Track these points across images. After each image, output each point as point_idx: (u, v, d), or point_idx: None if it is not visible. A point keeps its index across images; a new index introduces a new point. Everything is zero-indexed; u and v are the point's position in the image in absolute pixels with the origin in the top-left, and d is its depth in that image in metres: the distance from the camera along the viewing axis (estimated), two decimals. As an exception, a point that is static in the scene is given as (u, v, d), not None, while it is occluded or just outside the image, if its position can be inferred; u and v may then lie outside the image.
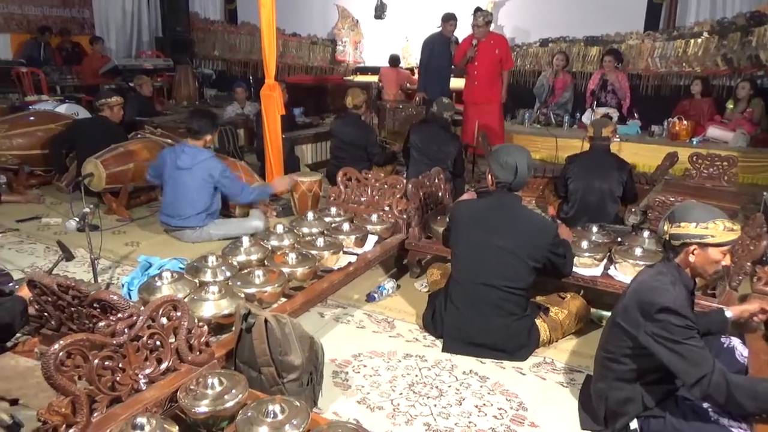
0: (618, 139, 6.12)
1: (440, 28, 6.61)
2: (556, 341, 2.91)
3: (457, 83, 7.22)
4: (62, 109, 6.14)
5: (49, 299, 2.23)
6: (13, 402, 1.76)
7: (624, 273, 3.05)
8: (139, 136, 5.39)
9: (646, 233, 3.35)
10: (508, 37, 7.70)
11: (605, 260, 3.19)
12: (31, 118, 5.52)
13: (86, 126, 5.27)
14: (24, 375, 1.92)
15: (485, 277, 2.71)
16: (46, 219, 4.68)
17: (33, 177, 5.49)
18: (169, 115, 7.33)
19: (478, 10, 6.32)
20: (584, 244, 3.19)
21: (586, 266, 3.13)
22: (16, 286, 2.57)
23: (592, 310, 3.14)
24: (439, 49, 6.59)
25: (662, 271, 2.06)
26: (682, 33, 7.27)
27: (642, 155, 6.14)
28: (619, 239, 3.40)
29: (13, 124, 5.26)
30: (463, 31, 6.88)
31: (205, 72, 10.33)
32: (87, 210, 3.40)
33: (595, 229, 3.48)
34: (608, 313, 3.01)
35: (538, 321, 2.83)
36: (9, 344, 2.33)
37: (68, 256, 3.60)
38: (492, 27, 6.67)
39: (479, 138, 5.63)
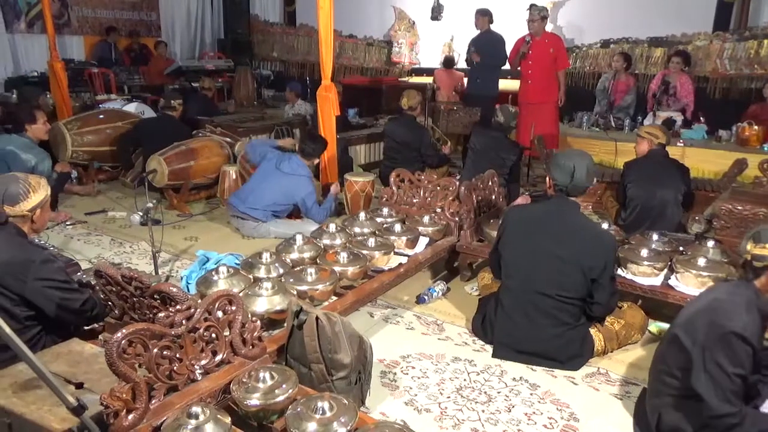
0: (682, 144, 5.87)
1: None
2: (611, 352, 2.82)
3: (507, 85, 7.12)
4: (130, 108, 6.43)
5: (114, 289, 2.34)
6: (79, 385, 1.85)
7: (686, 284, 2.93)
8: (200, 134, 5.59)
9: (710, 243, 3.19)
10: (566, 38, 7.52)
11: (666, 270, 3.06)
12: (101, 116, 5.80)
13: (153, 124, 5.51)
14: (89, 360, 2.01)
15: (538, 285, 2.65)
16: (112, 212, 4.91)
17: (101, 172, 5.78)
18: (228, 114, 7.56)
19: (533, 6, 6.21)
20: (644, 252, 3.08)
21: (645, 275, 3.02)
22: (84, 276, 2.70)
23: (651, 321, 3.03)
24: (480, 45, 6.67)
25: (737, 292, 1.96)
26: (754, 33, 6.90)
27: (708, 161, 5.86)
28: (681, 248, 3.26)
29: (84, 122, 5.55)
30: (515, 29, 6.79)
31: (264, 73, 10.57)
32: (150, 205, 3.55)
33: (655, 236, 3.35)
34: (668, 326, 2.90)
35: (592, 330, 2.75)
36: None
37: None
38: (551, 27, 6.53)
39: (535, 141, 5.53)
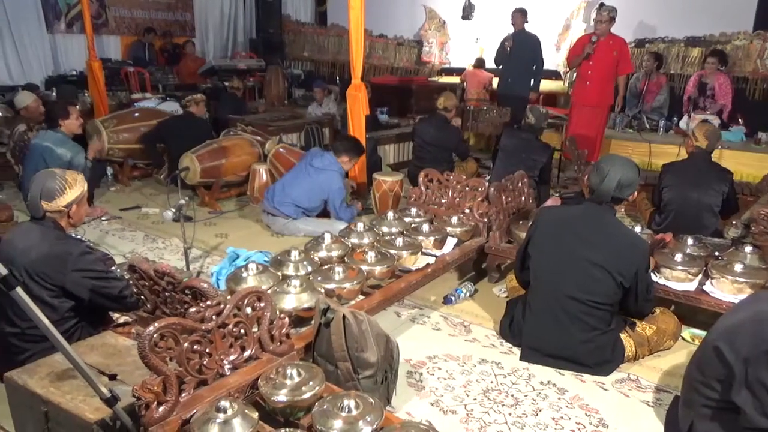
0: (719, 146, 5.72)
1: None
2: (642, 358, 2.76)
3: (544, 85, 7.02)
4: (163, 106, 6.56)
5: (146, 284, 2.38)
6: (112, 377, 1.90)
7: (721, 290, 2.85)
8: (231, 133, 5.66)
9: (748, 248, 3.10)
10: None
11: (700, 275, 2.99)
12: (136, 114, 5.93)
13: (175, 123, 5.58)
14: (122, 353, 2.06)
15: (568, 289, 2.61)
16: (145, 209, 5.02)
17: (136, 169, 5.91)
18: (259, 113, 7.65)
19: (602, 5, 6.04)
20: (678, 256, 3.01)
21: (678, 280, 2.95)
22: (118, 271, 2.76)
23: (684, 327, 2.96)
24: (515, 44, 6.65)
25: None
26: (798, 33, 6.69)
27: (746, 164, 5.70)
28: (717, 253, 3.18)
29: (120, 119, 5.68)
30: (546, 27, 6.72)
31: (294, 72, 10.66)
32: (182, 202, 3.60)
33: (690, 241, 3.27)
34: (702, 332, 2.84)
35: (623, 335, 2.69)
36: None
37: None
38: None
39: (566, 142, 5.46)
